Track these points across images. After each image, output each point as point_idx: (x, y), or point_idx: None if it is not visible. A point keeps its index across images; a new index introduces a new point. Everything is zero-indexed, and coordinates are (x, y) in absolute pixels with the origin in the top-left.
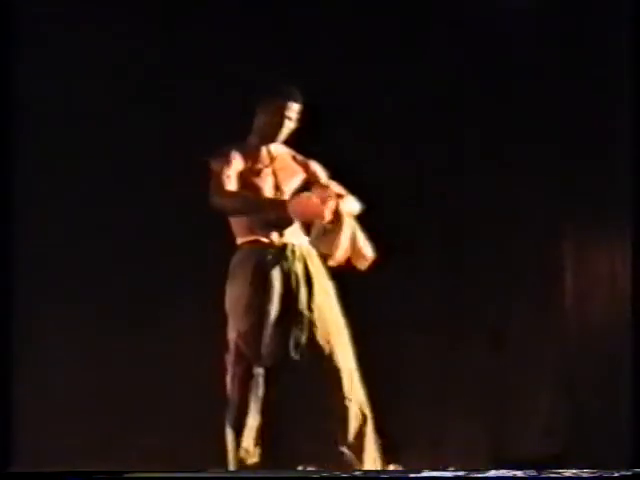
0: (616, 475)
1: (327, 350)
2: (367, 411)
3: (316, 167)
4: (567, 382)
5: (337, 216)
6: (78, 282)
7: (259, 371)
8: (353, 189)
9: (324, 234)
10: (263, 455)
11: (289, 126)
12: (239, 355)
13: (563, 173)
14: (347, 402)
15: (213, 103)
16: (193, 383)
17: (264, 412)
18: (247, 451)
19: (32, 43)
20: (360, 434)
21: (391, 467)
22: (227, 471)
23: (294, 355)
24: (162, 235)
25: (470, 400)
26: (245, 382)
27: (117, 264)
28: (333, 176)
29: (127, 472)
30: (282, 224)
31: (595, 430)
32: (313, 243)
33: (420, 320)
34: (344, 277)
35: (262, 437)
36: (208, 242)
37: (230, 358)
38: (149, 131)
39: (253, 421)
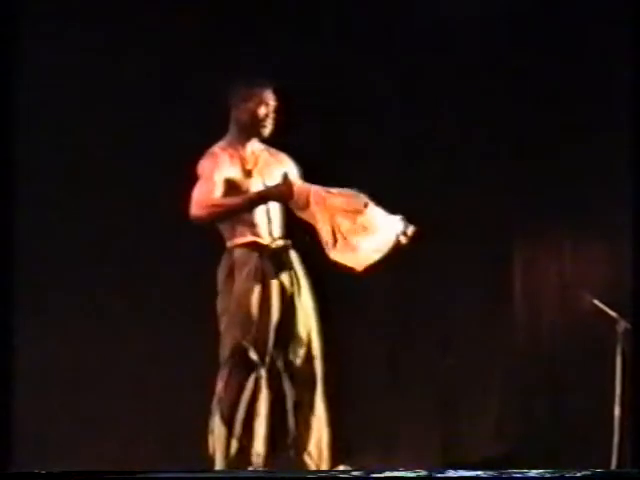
0: (578, 475)
1: (313, 352)
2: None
3: (290, 163)
4: (519, 384)
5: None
6: (78, 282)
7: (262, 374)
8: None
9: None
10: (274, 457)
11: (271, 115)
12: (241, 357)
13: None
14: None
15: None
16: (193, 383)
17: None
18: (259, 454)
19: (34, 43)
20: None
21: (341, 467)
22: (229, 471)
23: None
24: (161, 235)
25: (423, 402)
26: (242, 384)
27: (117, 264)
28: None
29: (139, 472)
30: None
31: (548, 431)
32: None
33: (372, 322)
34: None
35: (272, 440)
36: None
37: (230, 360)
38: (144, 134)
39: (261, 425)
